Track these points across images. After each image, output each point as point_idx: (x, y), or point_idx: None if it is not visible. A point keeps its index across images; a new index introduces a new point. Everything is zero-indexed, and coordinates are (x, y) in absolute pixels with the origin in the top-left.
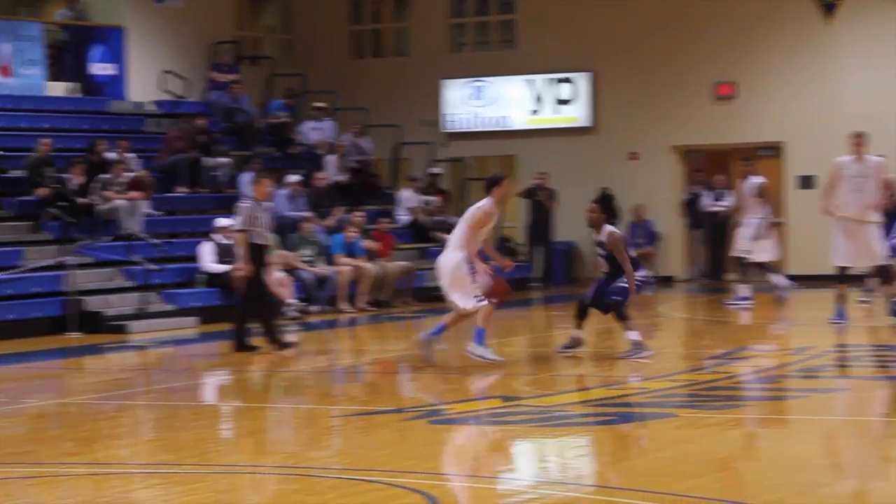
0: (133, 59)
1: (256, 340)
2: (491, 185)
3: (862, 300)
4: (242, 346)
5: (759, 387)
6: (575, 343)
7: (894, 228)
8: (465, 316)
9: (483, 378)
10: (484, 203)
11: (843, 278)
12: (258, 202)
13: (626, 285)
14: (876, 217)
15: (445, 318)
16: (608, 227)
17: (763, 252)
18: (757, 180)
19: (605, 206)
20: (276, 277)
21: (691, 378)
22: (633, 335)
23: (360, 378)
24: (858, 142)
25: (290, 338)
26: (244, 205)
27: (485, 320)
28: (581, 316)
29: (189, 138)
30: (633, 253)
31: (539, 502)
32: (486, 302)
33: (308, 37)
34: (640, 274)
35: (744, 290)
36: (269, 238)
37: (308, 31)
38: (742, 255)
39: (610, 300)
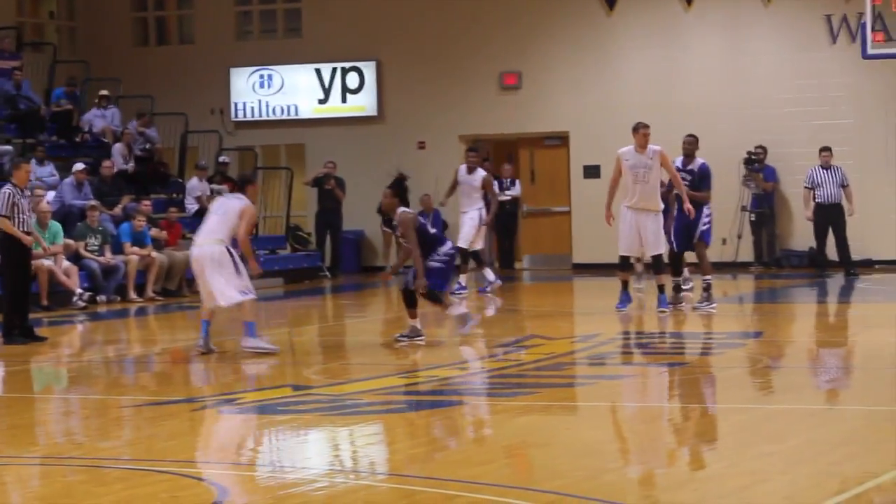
0: None
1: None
2: (244, 183)
3: (637, 288)
4: (12, 339)
5: (548, 374)
6: (414, 333)
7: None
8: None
9: (273, 368)
10: (247, 201)
11: (625, 266)
12: (18, 188)
13: (438, 265)
14: (658, 206)
15: (204, 315)
16: (400, 209)
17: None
18: (481, 173)
19: (398, 190)
20: (63, 267)
21: (481, 366)
22: (455, 310)
23: (150, 368)
24: (644, 132)
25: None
26: (5, 190)
27: (252, 313)
28: (410, 304)
29: None
30: (433, 230)
31: (330, 490)
32: (251, 295)
33: (91, 23)
34: (447, 248)
35: (489, 274)
36: (31, 224)
37: (91, 18)
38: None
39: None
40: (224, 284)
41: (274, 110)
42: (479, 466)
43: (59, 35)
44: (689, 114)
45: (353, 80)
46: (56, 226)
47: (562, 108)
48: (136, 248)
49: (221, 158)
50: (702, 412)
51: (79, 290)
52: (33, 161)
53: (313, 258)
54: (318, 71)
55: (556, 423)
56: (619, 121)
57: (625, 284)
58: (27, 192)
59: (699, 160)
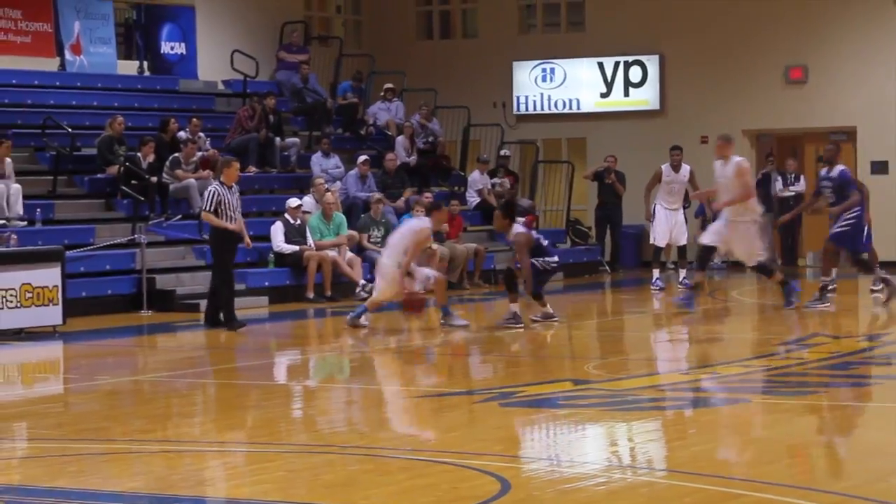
0: (202, 38)
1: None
2: (431, 209)
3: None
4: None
5: (833, 373)
6: (546, 316)
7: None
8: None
9: (553, 361)
10: (426, 223)
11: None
12: (226, 185)
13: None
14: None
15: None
16: (515, 228)
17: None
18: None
19: (507, 212)
20: (347, 258)
21: (763, 364)
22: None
23: (431, 359)
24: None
25: None
26: (211, 188)
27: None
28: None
29: (259, 118)
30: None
31: (609, 486)
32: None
33: (377, 17)
34: (553, 259)
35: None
36: (240, 219)
37: (377, 12)
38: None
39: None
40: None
41: (556, 104)
42: (761, 465)
43: (345, 29)
44: None
45: (635, 73)
46: (340, 217)
47: (849, 103)
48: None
49: (503, 152)
50: None
51: (362, 282)
52: (319, 153)
53: (593, 252)
54: (600, 64)
55: (840, 423)
56: None
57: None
58: (235, 190)
59: (839, 167)
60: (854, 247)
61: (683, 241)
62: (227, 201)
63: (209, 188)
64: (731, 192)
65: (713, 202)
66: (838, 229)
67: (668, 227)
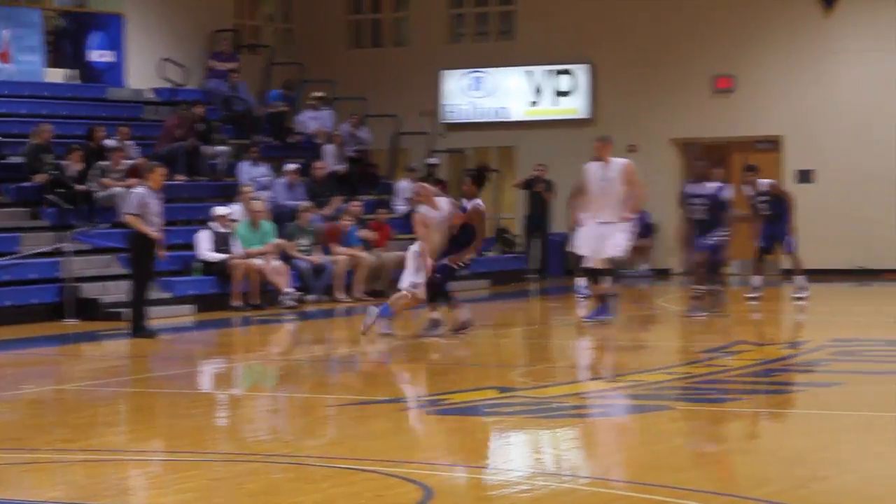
0: (132, 46)
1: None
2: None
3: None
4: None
5: (756, 380)
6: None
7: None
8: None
9: (478, 369)
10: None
11: None
12: (152, 190)
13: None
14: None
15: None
16: (474, 200)
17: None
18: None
19: (477, 179)
20: (274, 266)
21: (687, 371)
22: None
23: (356, 367)
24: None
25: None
26: (138, 191)
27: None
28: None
29: (187, 126)
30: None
31: (533, 493)
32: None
33: (307, 26)
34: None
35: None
36: (160, 225)
37: (307, 20)
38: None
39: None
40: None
41: (485, 112)
42: (684, 472)
43: (275, 37)
44: None
45: (565, 82)
46: (268, 225)
47: (776, 112)
48: (344, 249)
49: (431, 160)
50: None
51: (288, 290)
52: (248, 161)
53: (520, 260)
54: (529, 73)
55: (763, 430)
56: (835, 125)
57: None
58: (161, 195)
59: (716, 184)
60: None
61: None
62: (151, 206)
63: (135, 191)
64: (629, 196)
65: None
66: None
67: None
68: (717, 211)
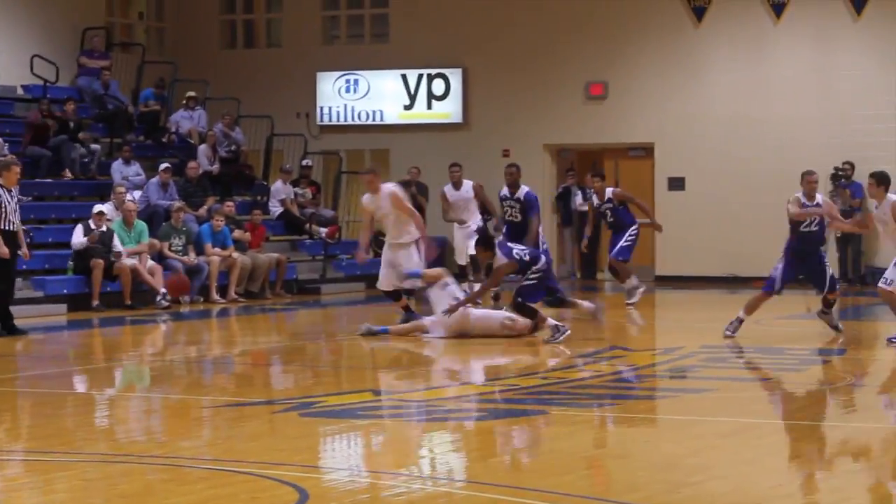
0: (0, 42)
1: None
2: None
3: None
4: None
5: (629, 386)
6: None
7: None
8: None
9: (354, 372)
10: None
11: None
12: (5, 188)
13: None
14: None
15: None
16: (499, 257)
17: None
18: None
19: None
20: (148, 266)
21: (562, 376)
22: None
23: (231, 369)
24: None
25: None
26: None
27: None
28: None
29: (52, 124)
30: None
31: (409, 496)
32: None
33: (180, 25)
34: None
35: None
36: (17, 224)
37: (180, 19)
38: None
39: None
40: None
41: (359, 115)
42: (557, 476)
43: (147, 36)
44: (776, 127)
45: (438, 86)
46: (141, 225)
47: (647, 120)
48: (217, 249)
49: (305, 162)
50: (784, 428)
51: (162, 290)
52: (120, 160)
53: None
54: (404, 77)
55: (635, 435)
56: (705, 133)
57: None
58: (15, 193)
59: (524, 188)
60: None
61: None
62: (5, 204)
63: None
64: (402, 222)
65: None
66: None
67: (462, 244)
68: (529, 210)
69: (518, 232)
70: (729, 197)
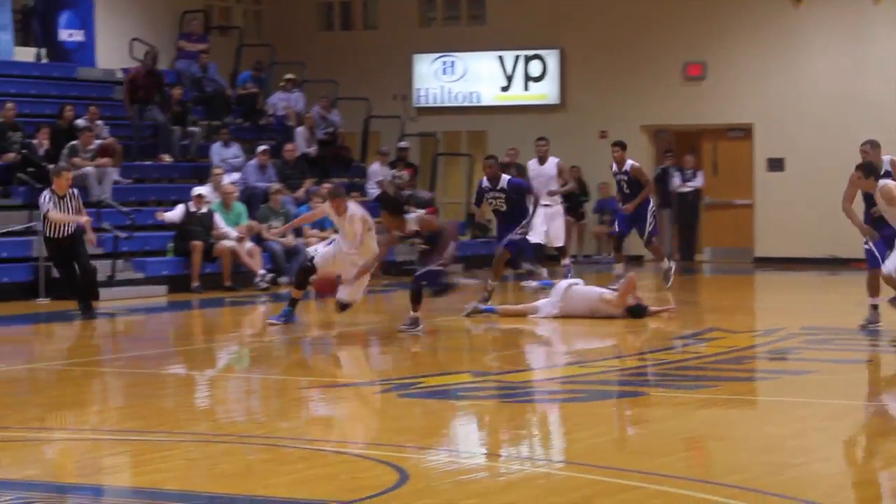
0: (101, 26)
1: None
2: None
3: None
4: None
5: (729, 367)
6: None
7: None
8: None
9: (452, 353)
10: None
11: None
12: (56, 194)
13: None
14: None
15: None
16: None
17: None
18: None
19: (395, 209)
20: (247, 248)
21: (661, 357)
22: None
23: (330, 350)
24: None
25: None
26: (44, 194)
27: None
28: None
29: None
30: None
31: (508, 477)
32: None
33: (277, 7)
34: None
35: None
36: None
37: (277, 2)
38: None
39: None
40: None
41: (456, 97)
42: (658, 458)
43: (245, 19)
44: (876, 107)
45: (535, 68)
46: (240, 207)
47: (746, 100)
48: (315, 231)
49: (402, 144)
50: (888, 410)
51: (261, 272)
52: (219, 143)
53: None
54: (500, 58)
55: (736, 417)
56: (805, 113)
57: None
58: (70, 196)
59: (506, 177)
60: (525, 254)
61: (559, 243)
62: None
63: (42, 195)
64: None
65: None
66: (513, 237)
67: (542, 225)
68: (516, 203)
69: (508, 219)
70: (829, 178)
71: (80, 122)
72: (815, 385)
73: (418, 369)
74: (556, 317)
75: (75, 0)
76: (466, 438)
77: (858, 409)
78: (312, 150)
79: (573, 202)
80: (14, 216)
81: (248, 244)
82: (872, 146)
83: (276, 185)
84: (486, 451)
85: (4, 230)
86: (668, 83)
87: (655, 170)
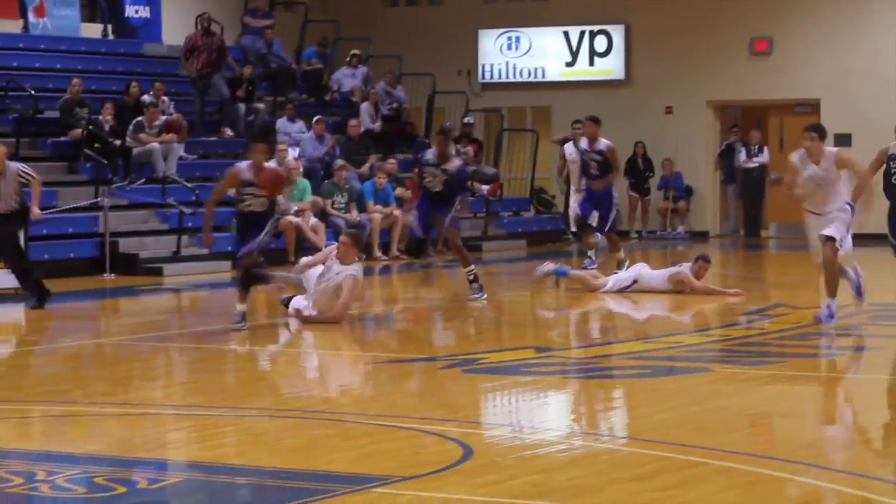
0: (167, 2)
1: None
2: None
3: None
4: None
5: (794, 343)
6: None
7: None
8: None
9: (516, 329)
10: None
11: None
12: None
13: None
14: None
15: None
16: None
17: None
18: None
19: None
20: (311, 223)
21: (725, 333)
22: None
23: (393, 326)
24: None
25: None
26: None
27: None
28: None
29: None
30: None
31: (571, 453)
32: None
33: None
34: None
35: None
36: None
37: None
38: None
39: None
40: None
41: (521, 72)
42: (723, 434)
43: None
44: None
45: (601, 43)
46: (304, 182)
47: (813, 75)
48: (379, 207)
49: (467, 119)
50: None
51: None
52: (285, 118)
53: (556, 221)
54: (566, 33)
55: (801, 393)
56: (871, 89)
57: None
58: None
59: (457, 161)
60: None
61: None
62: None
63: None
64: None
65: None
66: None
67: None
68: (454, 185)
69: (433, 202)
70: None
71: (145, 98)
72: (881, 361)
73: (482, 345)
74: (622, 290)
75: None
76: (530, 414)
77: None
78: (377, 125)
79: (638, 178)
80: (81, 192)
81: (312, 219)
82: None
83: (339, 161)
84: (549, 427)
85: (71, 206)
86: (735, 58)
87: (721, 145)
